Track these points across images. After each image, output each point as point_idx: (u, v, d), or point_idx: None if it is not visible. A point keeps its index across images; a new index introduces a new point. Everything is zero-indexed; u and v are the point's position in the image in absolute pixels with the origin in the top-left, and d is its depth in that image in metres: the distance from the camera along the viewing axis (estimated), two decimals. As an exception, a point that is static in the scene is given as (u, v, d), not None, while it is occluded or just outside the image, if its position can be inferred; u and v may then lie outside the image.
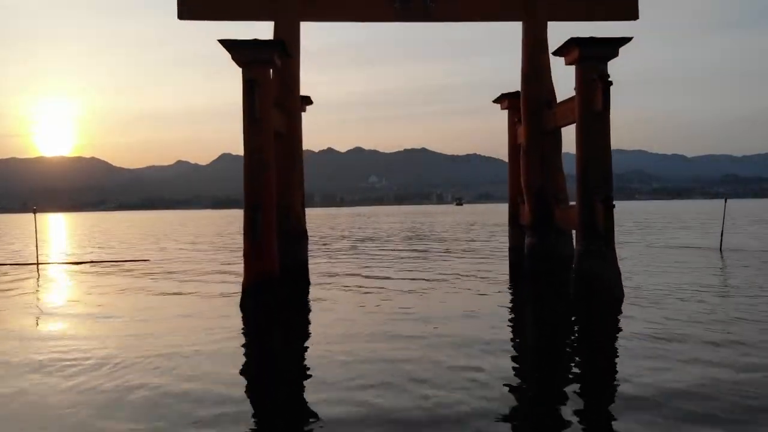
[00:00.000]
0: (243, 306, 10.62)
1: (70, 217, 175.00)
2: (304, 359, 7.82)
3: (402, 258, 20.35)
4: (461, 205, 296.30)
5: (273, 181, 10.70)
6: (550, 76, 13.26)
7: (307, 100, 15.54)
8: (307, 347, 8.37)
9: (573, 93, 11.51)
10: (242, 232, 10.66)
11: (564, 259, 12.92)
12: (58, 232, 58.79)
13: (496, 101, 16.10)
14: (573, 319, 10.20)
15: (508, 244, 16.08)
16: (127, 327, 9.69)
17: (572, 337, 9.16)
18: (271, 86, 10.74)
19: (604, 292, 10.76)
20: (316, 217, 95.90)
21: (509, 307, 11.49)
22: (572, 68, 11.24)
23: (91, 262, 20.97)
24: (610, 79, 10.60)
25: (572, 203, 13.06)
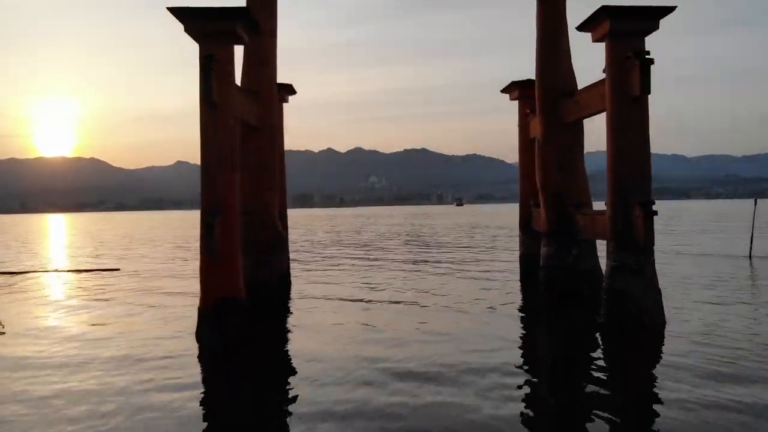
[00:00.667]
0: (199, 336, 8.64)
1: (67, 218, 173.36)
2: (270, 419, 5.88)
3: (401, 269, 18.32)
4: (461, 205, 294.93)
5: (236, 182, 8.73)
6: (570, 59, 11.30)
7: (289, 89, 13.59)
8: (278, 402, 6.41)
9: (597, 78, 9.59)
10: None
11: (588, 273, 10.99)
12: (45, 235, 56.82)
13: (504, 91, 14.16)
14: (602, 350, 8.25)
15: (518, 251, 14.12)
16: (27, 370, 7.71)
17: (601, 375, 7.18)
18: (233, 65, 8.77)
19: (641, 317, 8.79)
20: (313, 219, 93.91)
21: (522, 333, 9.53)
22: (599, 47, 9.32)
23: (56, 270, 19.02)
24: (649, 56, 8.64)
25: (596, 208, 11.11)
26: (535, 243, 13.43)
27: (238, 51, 9.46)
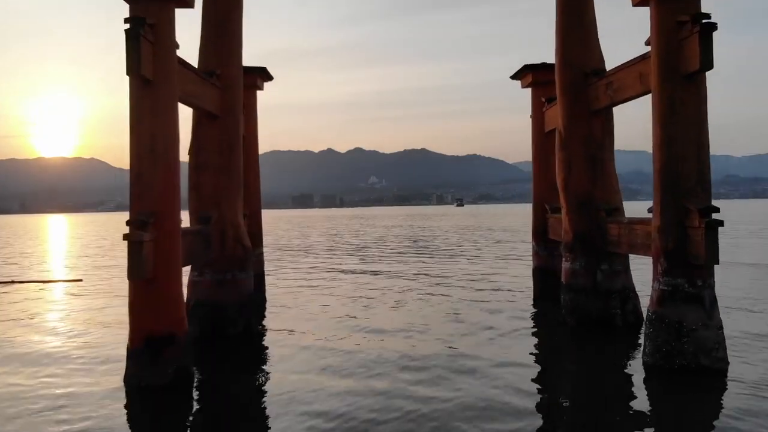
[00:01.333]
0: (128, 381, 6.65)
1: (65, 219, 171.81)
2: None
3: (396, 285, 16.31)
4: (462, 206, 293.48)
5: (176, 182, 6.75)
6: (597, 33, 9.34)
7: (263, 74, 11.60)
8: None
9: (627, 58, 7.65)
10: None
11: (620, 295, 9.02)
12: (31, 237, 54.85)
13: (515, 76, 12.19)
14: (648, 398, 6.28)
15: (531, 264, 12.13)
16: None
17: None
18: (173, 32, 6.79)
19: (698, 357, 6.80)
20: (311, 220, 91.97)
21: (542, 376, 7.51)
22: (633, 18, 7.37)
23: (12, 282, 17.03)
24: (710, 21, 6.68)
25: (628, 215, 9.15)
26: (552, 255, 11.50)
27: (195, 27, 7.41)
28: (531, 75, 11.60)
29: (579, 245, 9.09)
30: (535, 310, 11.04)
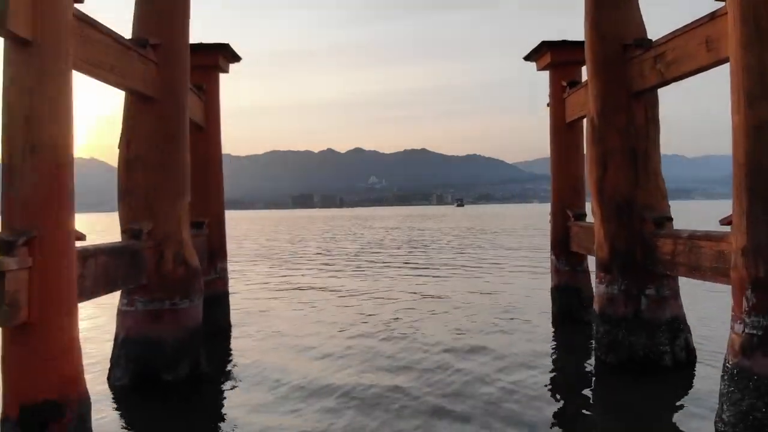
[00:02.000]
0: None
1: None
2: None
3: (393, 301, 14.30)
4: (462, 206, 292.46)
5: (68, 188, 4.79)
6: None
7: (227, 53, 9.64)
8: None
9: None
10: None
11: (669, 328, 7.08)
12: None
13: (531, 57, 10.24)
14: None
15: (550, 281, 10.17)
16: None
17: None
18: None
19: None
20: (308, 221, 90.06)
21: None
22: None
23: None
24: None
25: (678, 228, 7.22)
26: (575, 271, 9.58)
27: None
28: (549, 54, 9.66)
29: (618, 264, 7.13)
30: (555, 342, 9.03)
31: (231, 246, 11.70)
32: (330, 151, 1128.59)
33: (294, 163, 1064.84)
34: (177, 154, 7.01)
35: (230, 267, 10.67)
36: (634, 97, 7.16)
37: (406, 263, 22.15)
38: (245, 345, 9.02)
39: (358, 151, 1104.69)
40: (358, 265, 21.33)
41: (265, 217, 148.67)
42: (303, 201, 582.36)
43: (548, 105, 10.10)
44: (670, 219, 6.97)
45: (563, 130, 9.65)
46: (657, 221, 6.88)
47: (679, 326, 7.19)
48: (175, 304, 6.84)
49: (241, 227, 69.45)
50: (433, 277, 17.32)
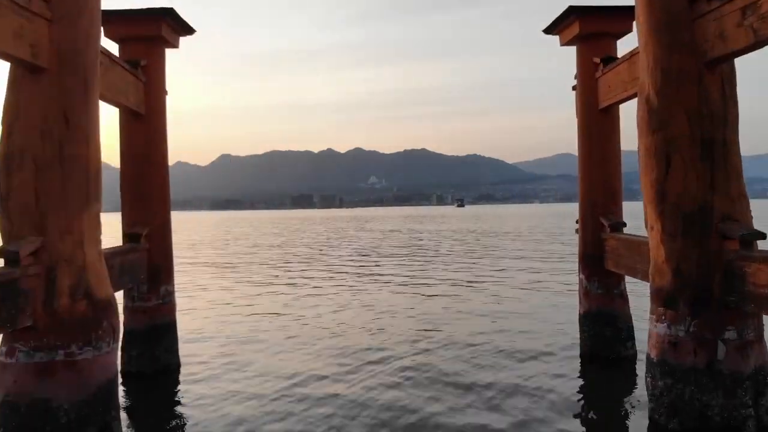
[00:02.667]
0: None
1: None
2: None
3: (374, 336, 12.38)
4: (463, 206, 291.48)
5: None
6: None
7: (174, 21, 7.68)
8: None
9: None
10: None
11: (758, 384, 5.17)
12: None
13: (552, 29, 8.29)
14: None
15: (578, 306, 8.22)
16: None
17: None
18: None
19: None
20: (305, 223, 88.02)
21: None
22: None
23: None
24: None
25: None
26: (611, 295, 7.70)
27: None
28: (578, 23, 7.70)
29: (686, 296, 5.20)
30: (587, 391, 7.03)
31: (207, 252, 9.69)
32: (330, 151, 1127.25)
33: (294, 163, 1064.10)
34: (80, 146, 5.08)
35: (197, 279, 8.69)
36: (708, 68, 5.23)
37: (401, 277, 20.20)
38: (195, 393, 7.04)
39: (358, 151, 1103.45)
40: (345, 280, 18.96)
41: (261, 218, 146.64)
42: (302, 201, 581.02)
43: (574, 88, 8.18)
44: (763, 236, 5.04)
45: (596, 118, 7.71)
46: (744, 239, 4.96)
47: (765, 380, 5.29)
48: (73, 354, 4.91)
49: (236, 229, 67.62)
50: (429, 296, 15.03)
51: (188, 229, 67.84)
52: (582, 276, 7.98)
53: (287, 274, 20.21)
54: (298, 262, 24.76)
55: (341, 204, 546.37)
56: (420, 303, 13.41)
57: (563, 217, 78.56)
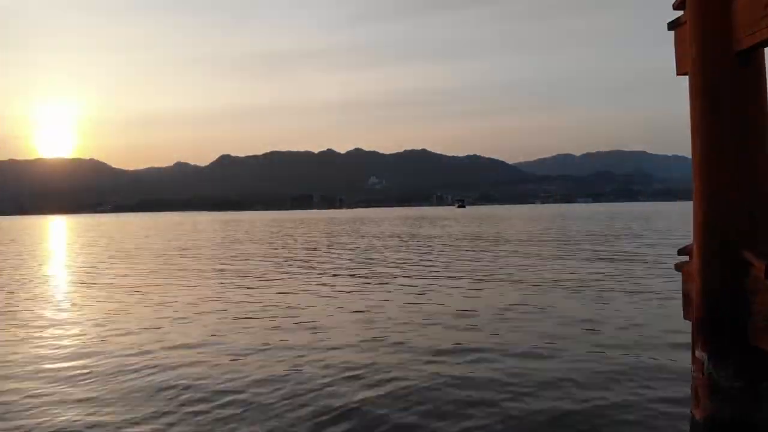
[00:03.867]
0: None
1: (57, 221, 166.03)
2: None
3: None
4: (463, 207, 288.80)
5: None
6: None
7: None
8: None
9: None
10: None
11: None
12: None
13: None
14: None
15: (691, 410, 4.95)
16: None
17: None
18: None
19: None
20: (301, 225, 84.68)
21: None
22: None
23: None
24: None
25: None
26: (754, 394, 4.44)
27: None
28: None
29: None
30: None
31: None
32: (330, 151, 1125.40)
33: (294, 163, 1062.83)
34: None
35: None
36: None
37: (408, 287, 16.94)
38: None
39: (358, 151, 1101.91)
40: (350, 289, 15.93)
41: (259, 218, 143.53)
42: (302, 202, 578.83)
43: (676, 25, 4.96)
44: None
45: (729, 71, 4.49)
46: None
47: None
48: None
49: (225, 232, 64.51)
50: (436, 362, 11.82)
51: (186, 233, 64.72)
52: (702, 353, 4.74)
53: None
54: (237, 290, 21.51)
55: (341, 204, 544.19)
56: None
57: (570, 219, 75.48)
